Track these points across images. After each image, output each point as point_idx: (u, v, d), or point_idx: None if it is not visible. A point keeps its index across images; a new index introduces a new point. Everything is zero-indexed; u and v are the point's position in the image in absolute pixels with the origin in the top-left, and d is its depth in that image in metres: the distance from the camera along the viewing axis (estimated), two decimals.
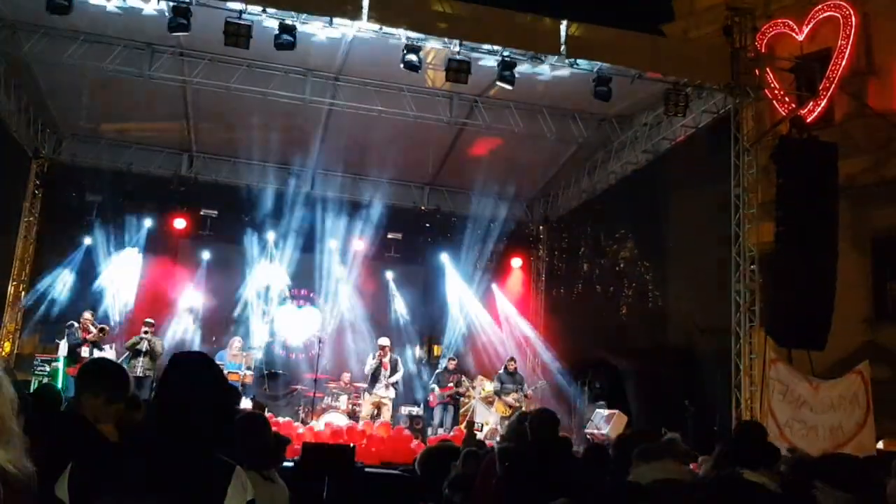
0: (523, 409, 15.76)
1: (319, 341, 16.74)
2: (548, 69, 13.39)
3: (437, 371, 17.39)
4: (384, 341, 16.29)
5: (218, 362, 12.89)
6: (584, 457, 6.77)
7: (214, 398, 2.88)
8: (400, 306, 19.59)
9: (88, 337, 14.63)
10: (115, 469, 2.72)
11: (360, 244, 18.95)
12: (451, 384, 16.63)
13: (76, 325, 14.84)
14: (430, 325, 20.13)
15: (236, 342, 15.93)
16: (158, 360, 14.97)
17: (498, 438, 14.61)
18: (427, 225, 19.76)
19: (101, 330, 14.99)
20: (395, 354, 16.37)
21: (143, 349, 14.80)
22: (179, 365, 2.95)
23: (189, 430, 2.74)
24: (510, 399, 16.06)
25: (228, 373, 15.23)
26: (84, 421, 3.67)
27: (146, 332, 14.96)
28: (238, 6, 11.67)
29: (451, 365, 17.09)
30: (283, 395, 17.11)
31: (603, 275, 21.78)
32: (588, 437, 15.04)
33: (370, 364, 15.97)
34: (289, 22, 11.91)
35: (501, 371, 16.59)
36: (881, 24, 17.82)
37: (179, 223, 18.19)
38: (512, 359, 16.99)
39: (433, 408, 16.73)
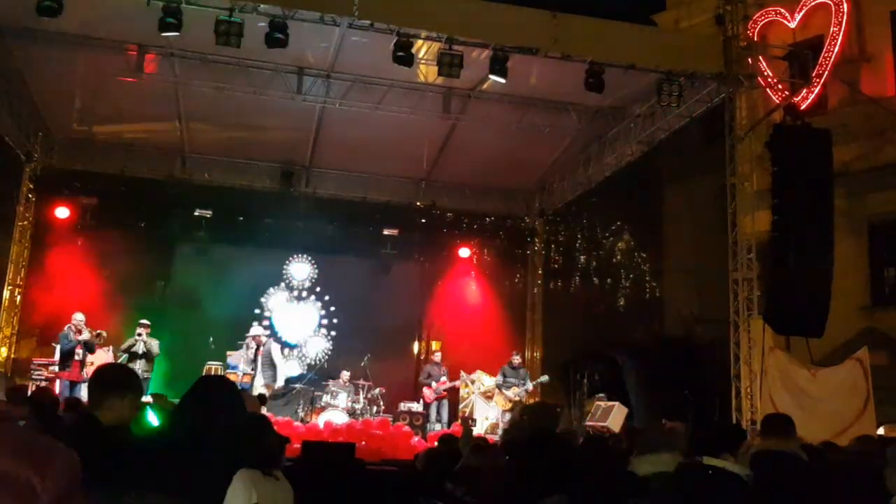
0: (522, 402, 15.80)
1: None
2: (540, 62, 13.35)
3: (427, 367, 17.41)
4: (256, 330, 16.14)
5: (218, 364, 12.98)
6: (583, 449, 6.76)
7: (228, 419, 2.94)
8: (397, 303, 19.57)
9: (80, 337, 14.55)
10: (120, 467, 2.74)
11: (356, 241, 18.95)
12: (443, 378, 16.67)
13: (71, 328, 14.78)
14: (427, 321, 20.12)
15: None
16: (154, 360, 14.98)
17: (500, 432, 14.68)
18: (423, 220, 19.73)
19: (98, 335, 14.93)
20: (267, 346, 16.03)
21: (140, 351, 14.76)
22: (207, 385, 3.07)
23: (199, 437, 2.77)
24: (510, 393, 16.08)
25: (228, 372, 15.23)
26: (96, 422, 3.73)
27: (141, 334, 14.92)
28: (229, 4, 11.63)
29: (438, 358, 17.16)
30: (281, 394, 17.08)
31: (600, 267, 21.80)
32: (588, 429, 15.03)
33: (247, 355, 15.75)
34: (280, 20, 11.87)
35: (506, 365, 16.62)
36: (873, 10, 17.84)
37: (174, 224, 18.14)
38: (516, 353, 17.02)
39: (429, 404, 16.76)
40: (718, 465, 4.35)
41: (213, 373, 14.92)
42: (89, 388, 4.09)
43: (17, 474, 1.20)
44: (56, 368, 14.68)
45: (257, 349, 15.71)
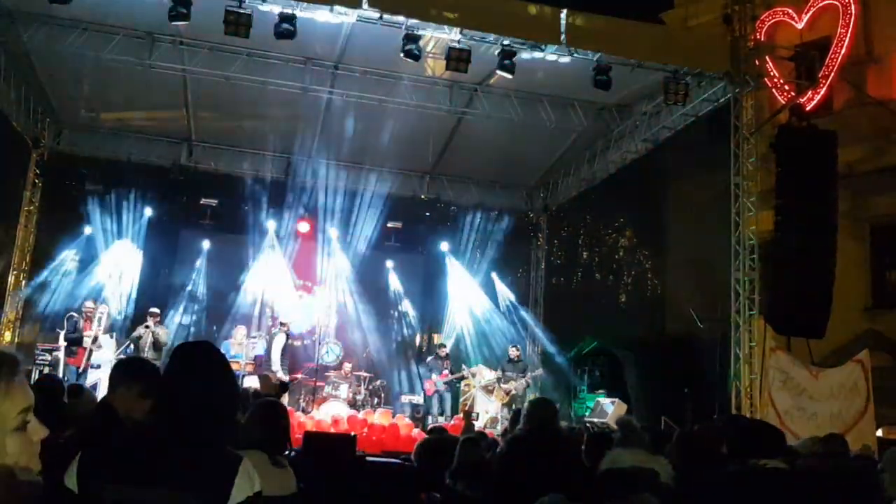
0: (519, 396, 15.86)
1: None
2: (548, 58, 13.36)
3: (429, 359, 17.42)
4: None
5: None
6: (586, 445, 6.79)
7: (219, 388, 2.89)
8: (400, 295, 19.62)
9: (87, 333, 14.48)
10: (123, 460, 2.73)
11: (359, 233, 18.99)
12: (445, 371, 16.71)
13: (76, 315, 14.80)
14: (430, 314, 20.16)
15: (240, 331, 15.94)
16: (163, 350, 14.97)
17: (499, 427, 14.75)
18: (427, 214, 19.76)
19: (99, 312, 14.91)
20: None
21: (148, 340, 14.74)
22: (184, 355, 2.96)
23: (195, 419, 2.75)
24: (508, 386, 16.15)
25: (231, 362, 15.24)
26: (112, 412, 3.76)
27: (149, 324, 14.91)
28: None
29: (443, 352, 17.16)
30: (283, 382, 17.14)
31: (602, 263, 21.86)
32: (588, 425, 15.09)
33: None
34: (289, 10, 11.89)
35: (505, 360, 16.70)
36: (880, 12, 17.81)
37: (180, 212, 18.18)
38: (515, 346, 17.06)
39: (430, 396, 16.79)
40: (780, 466, 4.29)
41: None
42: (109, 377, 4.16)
43: None
44: (61, 354, 14.67)
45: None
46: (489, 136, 16.81)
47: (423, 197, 19.79)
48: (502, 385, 16.23)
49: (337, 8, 12.00)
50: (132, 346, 14.83)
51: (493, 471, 5.68)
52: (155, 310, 15.21)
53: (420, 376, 17.52)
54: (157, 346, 14.78)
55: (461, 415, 15.78)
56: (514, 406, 15.20)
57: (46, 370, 14.40)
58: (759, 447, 4.41)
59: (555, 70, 14.02)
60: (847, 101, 17.84)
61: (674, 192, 20.97)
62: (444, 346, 17.46)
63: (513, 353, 16.78)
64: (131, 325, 15.56)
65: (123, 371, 4.02)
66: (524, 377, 16.40)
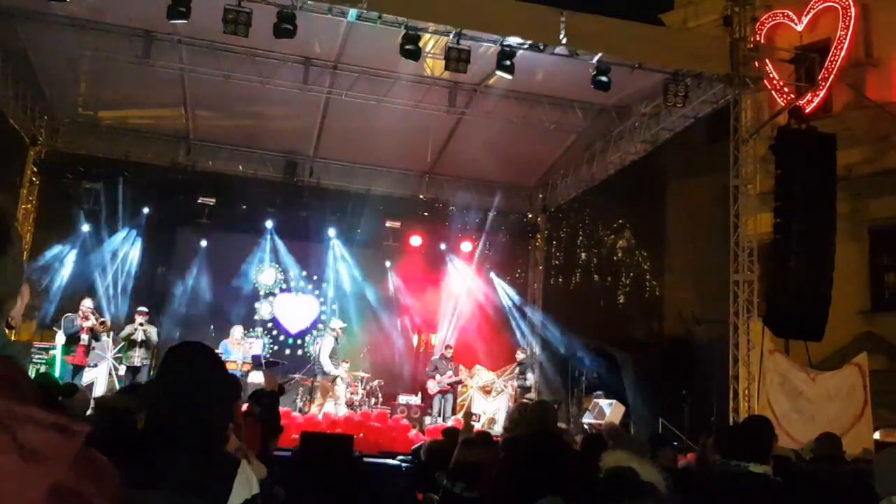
0: (521, 398, 15.86)
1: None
2: (547, 59, 13.34)
3: (433, 359, 17.39)
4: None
5: (218, 351, 12.78)
6: (582, 447, 6.78)
7: (215, 389, 2.86)
8: (397, 295, 19.59)
9: (86, 323, 14.47)
10: (121, 462, 2.70)
11: (358, 232, 18.99)
12: (449, 372, 16.67)
13: (72, 315, 14.71)
14: (427, 314, 20.13)
15: (237, 331, 15.89)
16: (154, 348, 14.92)
17: (497, 428, 14.74)
18: (426, 214, 19.73)
19: (102, 323, 14.85)
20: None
21: (139, 339, 14.65)
22: (179, 356, 2.92)
23: (192, 421, 2.73)
24: (511, 387, 16.26)
25: (227, 361, 15.22)
26: (132, 425, 3.72)
27: (141, 322, 14.84)
28: None
29: (448, 353, 17.12)
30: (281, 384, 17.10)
31: (601, 264, 21.82)
32: (586, 426, 15.07)
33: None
34: (288, 10, 11.86)
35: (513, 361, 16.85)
36: (880, 14, 17.81)
37: (176, 211, 18.14)
38: (521, 348, 17.14)
39: (432, 397, 16.75)
40: (765, 472, 4.26)
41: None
42: (139, 395, 4.10)
43: (82, 491, 1.23)
44: (60, 351, 14.60)
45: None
46: (489, 136, 16.79)
47: (422, 197, 19.76)
48: (506, 386, 16.29)
49: (336, 8, 11.98)
50: (125, 345, 14.77)
51: (492, 472, 5.66)
52: (143, 308, 15.10)
53: (427, 375, 17.45)
54: (147, 344, 14.72)
55: (460, 416, 15.76)
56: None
57: (43, 368, 14.36)
58: (742, 449, 4.38)
59: (554, 71, 14.01)
60: (846, 103, 17.84)
61: (673, 193, 20.96)
62: (451, 348, 17.39)
63: (519, 355, 16.82)
64: (126, 323, 15.48)
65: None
66: (528, 379, 16.43)
